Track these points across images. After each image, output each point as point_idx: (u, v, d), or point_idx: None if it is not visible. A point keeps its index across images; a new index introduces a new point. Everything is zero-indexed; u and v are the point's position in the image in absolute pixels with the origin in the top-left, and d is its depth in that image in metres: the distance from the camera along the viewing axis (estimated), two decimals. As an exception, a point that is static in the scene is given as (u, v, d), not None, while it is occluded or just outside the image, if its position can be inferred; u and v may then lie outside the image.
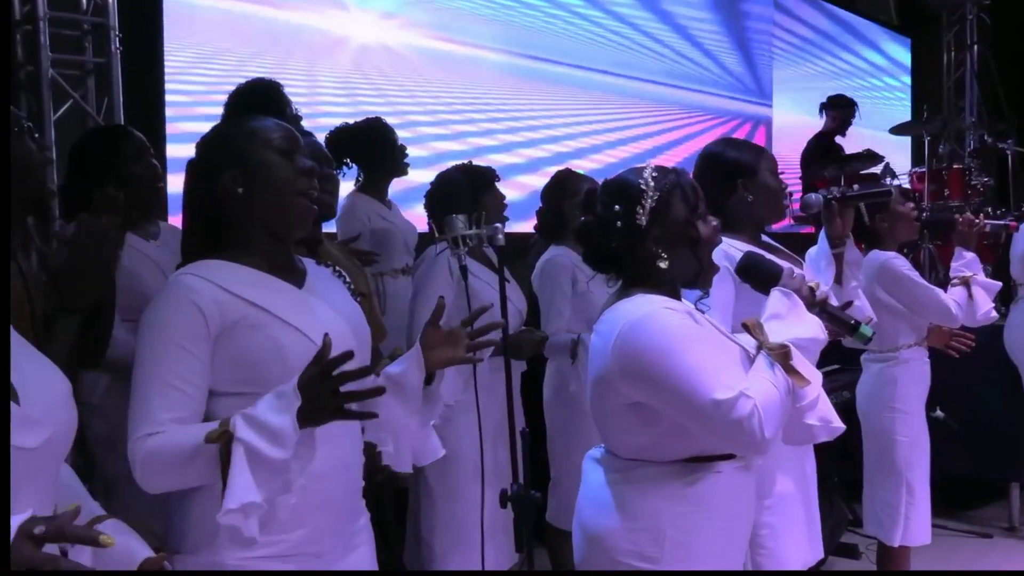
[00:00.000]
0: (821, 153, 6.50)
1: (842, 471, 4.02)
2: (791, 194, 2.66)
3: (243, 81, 3.07)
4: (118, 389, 2.25)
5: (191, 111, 4.02)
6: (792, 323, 1.84)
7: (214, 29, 4.25)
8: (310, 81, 4.51)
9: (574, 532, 1.92)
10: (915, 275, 3.27)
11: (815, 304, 1.93)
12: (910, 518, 3.29)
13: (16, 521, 1.14)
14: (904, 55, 9.91)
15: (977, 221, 3.47)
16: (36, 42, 3.59)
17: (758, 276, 1.98)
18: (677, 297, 1.87)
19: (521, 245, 3.70)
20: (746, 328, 1.83)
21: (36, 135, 2.07)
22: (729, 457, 1.79)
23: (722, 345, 1.82)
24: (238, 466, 1.43)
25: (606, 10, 6.28)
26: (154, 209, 2.71)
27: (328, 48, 4.72)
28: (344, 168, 3.72)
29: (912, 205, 3.36)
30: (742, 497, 1.85)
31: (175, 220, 2.42)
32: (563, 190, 3.45)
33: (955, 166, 6.46)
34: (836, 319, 1.97)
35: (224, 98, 3.01)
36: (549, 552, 3.48)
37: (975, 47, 8.63)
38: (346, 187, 3.62)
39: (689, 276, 1.88)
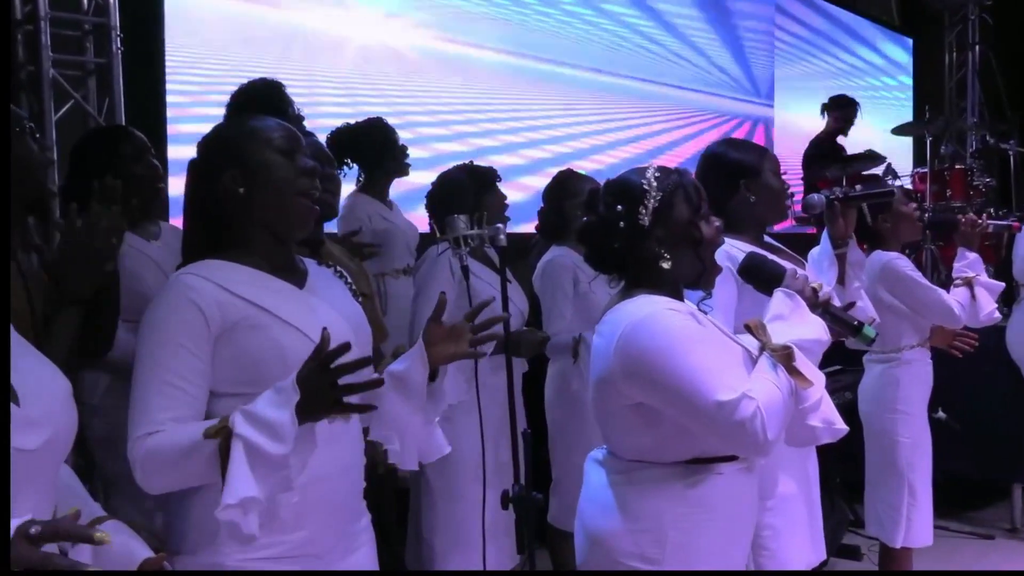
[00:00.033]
0: (823, 154, 6.50)
1: (844, 472, 4.02)
2: (792, 195, 2.65)
3: (245, 81, 3.06)
4: (118, 389, 2.25)
5: (192, 112, 4.01)
6: (795, 324, 1.84)
7: (215, 29, 4.25)
8: (311, 81, 4.51)
9: (576, 533, 1.91)
10: (918, 276, 3.26)
11: (818, 305, 1.93)
12: (912, 519, 3.28)
13: (13, 524, 1.14)
14: (905, 55, 9.91)
15: (980, 222, 3.46)
16: (37, 42, 3.59)
17: (761, 277, 1.98)
18: (680, 298, 1.86)
19: (523, 246, 3.69)
20: (749, 329, 1.83)
21: (37, 135, 2.06)
22: (731, 459, 1.78)
23: (725, 346, 1.81)
24: (237, 462, 1.43)
25: (607, 11, 6.28)
26: (155, 209, 2.70)
27: (329, 48, 4.71)
28: (345, 168, 3.71)
29: (915, 205, 3.35)
30: (744, 499, 1.84)
31: (176, 222, 2.41)
32: (564, 190, 3.44)
33: (957, 167, 6.46)
34: (839, 320, 1.96)
35: (225, 98, 3.01)
36: (550, 553, 3.48)
37: (976, 47, 8.62)
38: (347, 188, 3.61)
39: (692, 277, 1.87)
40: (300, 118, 2.94)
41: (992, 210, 5.75)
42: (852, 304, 2.24)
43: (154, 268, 2.51)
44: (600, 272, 1.93)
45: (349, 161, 3.77)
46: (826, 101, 6.81)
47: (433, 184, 3.30)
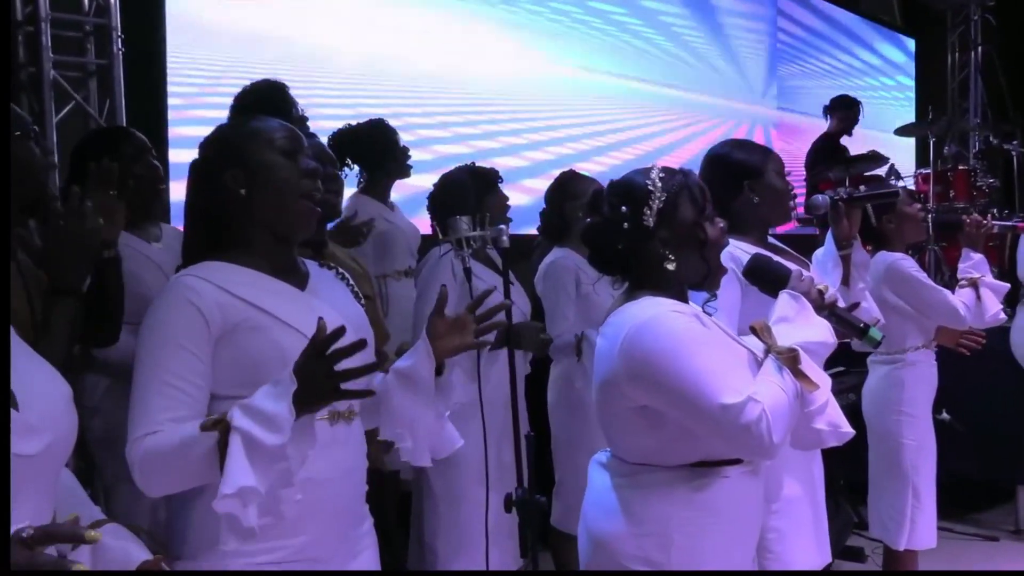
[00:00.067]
0: (826, 154, 6.49)
1: (848, 474, 4.00)
2: (795, 196, 2.64)
3: (246, 83, 3.06)
4: (118, 391, 2.24)
5: (192, 114, 4.00)
6: (801, 326, 1.82)
7: (216, 31, 4.24)
8: (312, 83, 4.50)
9: (580, 536, 1.90)
10: (923, 276, 3.25)
11: (824, 307, 1.92)
12: (916, 522, 3.27)
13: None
14: (908, 56, 9.89)
15: (985, 222, 3.44)
16: (38, 43, 3.59)
17: (766, 278, 1.96)
18: (684, 299, 1.85)
19: (525, 247, 3.68)
20: (754, 331, 1.81)
21: (40, 139, 2.05)
22: (736, 462, 1.77)
23: (730, 348, 1.80)
24: (235, 453, 1.41)
25: (609, 12, 6.27)
26: (155, 211, 2.69)
27: (330, 50, 4.71)
28: (346, 170, 3.70)
29: (919, 206, 3.34)
30: (750, 502, 1.83)
31: (177, 226, 2.40)
32: (566, 192, 3.43)
33: (960, 167, 6.45)
34: (845, 322, 1.95)
35: (225, 100, 3.00)
36: (553, 555, 3.47)
37: (979, 48, 8.61)
38: (348, 190, 3.60)
39: (696, 278, 1.86)
40: (304, 119, 2.93)
41: (995, 211, 5.75)
42: (856, 305, 2.22)
43: (155, 270, 2.50)
44: (604, 273, 1.92)
45: (350, 162, 3.76)
46: (827, 103, 6.80)
47: (435, 185, 3.29)
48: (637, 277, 1.85)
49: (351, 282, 1.92)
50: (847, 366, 3.90)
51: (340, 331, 1.44)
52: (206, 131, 1.76)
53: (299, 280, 1.72)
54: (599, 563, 1.82)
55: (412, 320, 3.17)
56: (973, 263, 3.34)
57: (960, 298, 3.24)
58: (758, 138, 7.57)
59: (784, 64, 8.08)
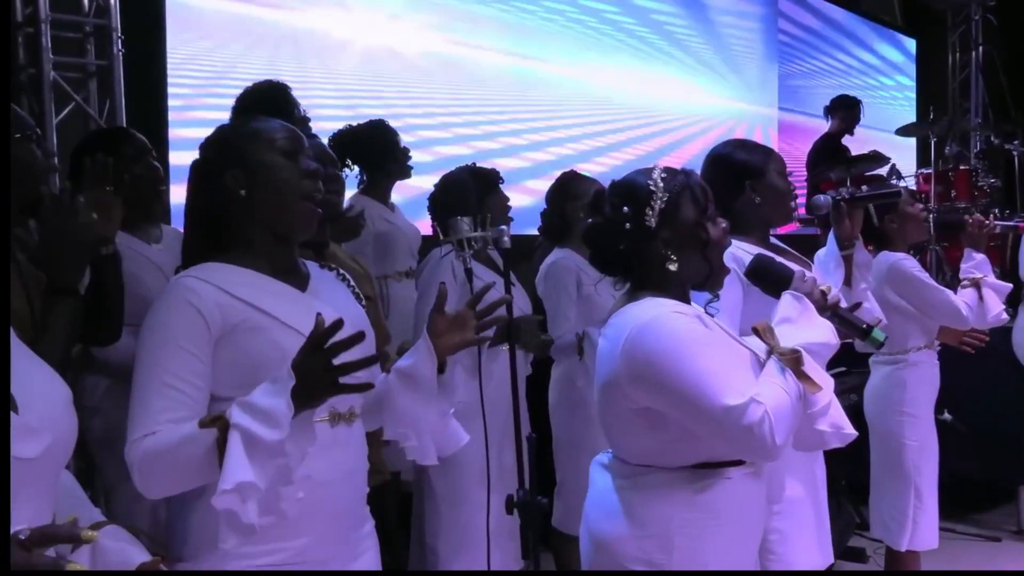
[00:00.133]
0: (828, 154, 6.48)
1: (849, 474, 3.99)
2: (796, 196, 2.64)
3: (246, 84, 3.05)
4: (118, 392, 2.24)
5: (193, 115, 4.00)
6: (803, 327, 1.81)
7: (217, 32, 4.24)
8: (313, 84, 4.49)
9: (581, 538, 1.90)
10: (925, 276, 3.25)
11: (826, 308, 1.91)
12: (918, 522, 3.26)
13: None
14: (909, 56, 9.89)
15: (987, 222, 3.44)
16: (38, 44, 3.59)
17: (769, 279, 1.95)
18: (686, 300, 1.84)
19: (526, 248, 3.68)
20: (757, 332, 1.80)
21: (41, 141, 2.04)
22: (739, 463, 1.76)
23: (732, 349, 1.79)
24: (234, 450, 1.41)
25: (609, 12, 6.26)
26: (156, 212, 2.69)
27: (332, 51, 4.71)
28: (346, 170, 3.70)
29: (921, 206, 3.34)
30: (752, 503, 1.82)
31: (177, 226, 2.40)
32: (567, 192, 3.43)
33: (962, 167, 6.44)
34: (848, 323, 1.94)
35: (225, 101, 3.00)
36: (554, 556, 3.46)
37: (980, 48, 8.61)
38: (348, 191, 3.59)
39: (699, 278, 1.86)
40: (306, 120, 2.93)
41: (997, 211, 5.74)
42: (858, 305, 2.22)
43: (155, 271, 2.50)
44: (605, 274, 1.91)
45: (351, 163, 3.75)
46: (828, 104, 6.79)
47: (436, 186, 3.29)
48: (639, 278, 1.84)
49: (352, 283, 1.91)
50: (849, 366, 3.89)
51: (338, 324, 1.43)
52: (206, 132, 1.75)
53: (300, 281, 1.71)
54: (601, 564, 1.82)
55: (413, 321, 3.16)
56: (975, 263, 3.33)
57: (962, 298, 3.23)
58: (759, 138, 7.56)
59: (785, 64, 8.07)
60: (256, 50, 4.34)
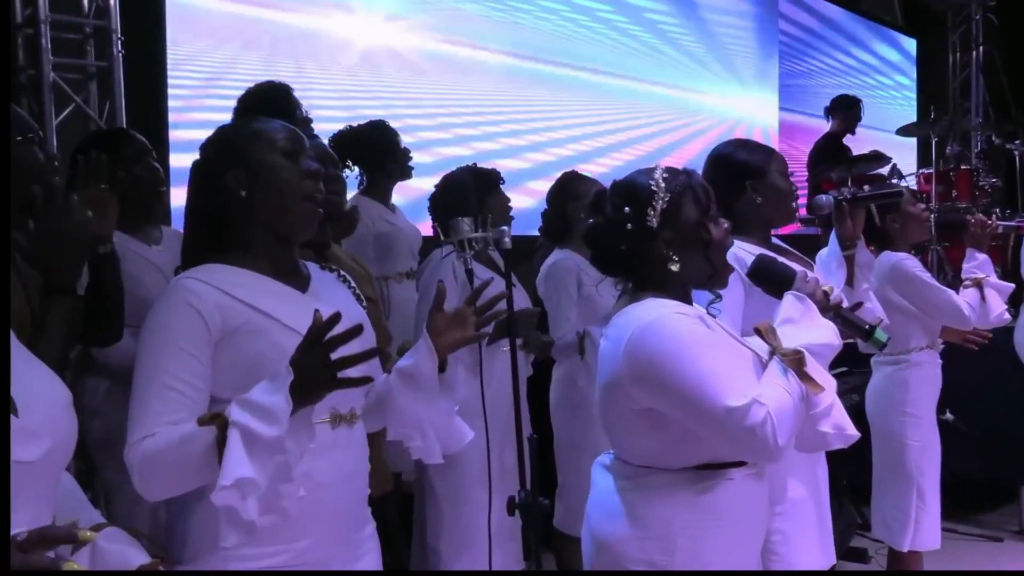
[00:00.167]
0: (829, 154, 6.48)
1: (851, 474, 3.99)
2: (797, 196, 2.63)
3: (246, 85, 3.05)
4: (119, 394, 2.23)
5: (193, 117, 4.00)
6: (806, 328, 1.81)
7: (217, 32, 4.23)
8: (314, 84, 4.49)
9: (583, 539, 1.89)
10: (927, 276, 3.24)
11: (829, 308, 1.90)
12: (920, 523, 3.26)
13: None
14: (909, 56, 9.89)
15: (990, 223, 3.43)
16: (37, 45, 3.58)
17: (771, 280, 1.95)
18: (688, 301, 1.84)
19: (526, 248, 3.67)
20: (759, 333, 1.80)
21: (43, 143, 2.04)
22: (741, 464, 1.76)
23: (734, 350, 1.78)
24: (233, 446, 1.40)
25: (609, 12, 6.26)
26: (156, 213, 2.68)
27: (332, 51, 4.70)
28: (347, 171, 3.69)
29: (923, 206, 3.33)
30: (754, 505, 1.81)
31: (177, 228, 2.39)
32: (568, 193, 3.42)
33: (963, 167, 6.44)
34: (851, 324, 1.93)
35: (225, 103, 2.99)
36: (556, 557, 3.45)
37: (980, 47, 8.61)
38: (349, 192, 3.59)
39: (700, 279, 1.85)
40: (308, 121, 2.93)
41: (998, 210, 5.74)
42: (859, 305, 2.21)
43: (155, 272, 2.49)
44: (606, 275, 1.90)
45: (351, 164, 3.75)
46: (828, 105, 6.77)
47: (436, 186, 3.29)
48: (640, 278, 1.83)
49: (352, 284, 1.91)
50: (850, 366, 3.89)
51: (335, 318, 1.42)
52: (206, 133, 1.75)
53: (300, 282, 1.71)
54: (602, 565, 1.81)
55: (413, 322, 3.16)
56: (978, 263, 3.33)
57: (965, 298, 3.23)
58: (759, 139, 7.55)
59: (785, 65, 8.07)
60: (256, 51, 4.33)
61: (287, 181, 1.65)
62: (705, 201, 1.83)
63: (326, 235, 2.32)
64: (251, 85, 3.09)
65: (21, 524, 1.17)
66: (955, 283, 3.45)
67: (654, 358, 1.69)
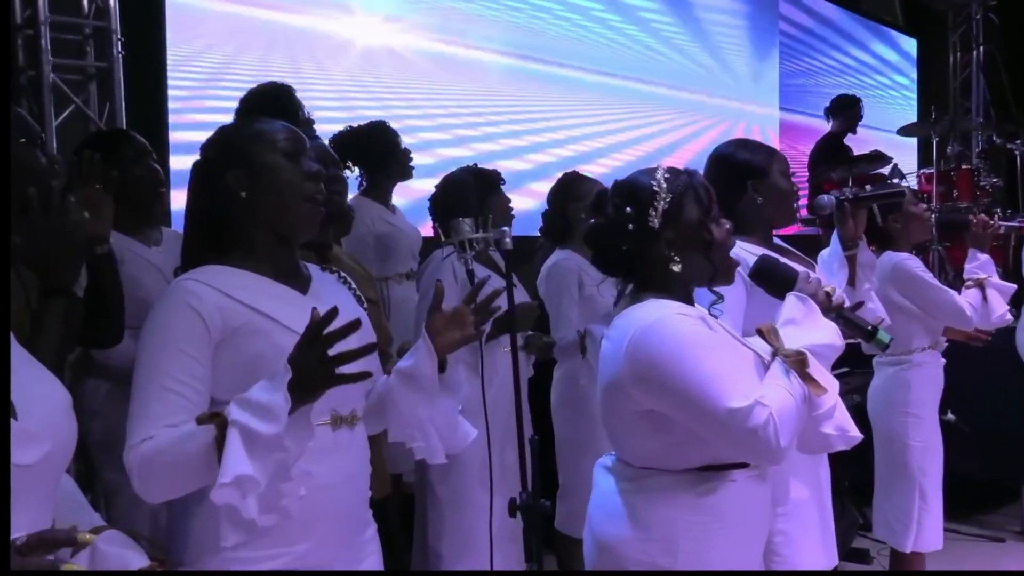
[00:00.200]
0: (829, 154, 6.47)
1: (852, 475, 3.98)
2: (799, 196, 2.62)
3: (246, 86, 3.04)
4: (119, 395, 2.22)
5: (193, 119, 3.99)
6: (808, 329, 1.80)
7: (217, 33, 4.23)
8: (315, 85, 4.48)
9: (585, 541, 1.88)
10: (929, 276, 3.24)
11: (831, 309, 1.89)
12: (923, 524, 3.25)
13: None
14: (910, 56, 9.88)
15: (992, 223, 3.43)
16: (37, 46, 3.57)
17: (773, 280, 1.94)
18: (690, 301, 1.83)
19: (527, 249, 3.67)
20: (761, 334, 1.79)
21: (45, 146, 2.03)
22: (743, 466, 1.75)
23: (736, 351, 1.77)
24: (232, 445, 1.39)
25: (611, 12, 6.25)
26: (156, 214, 2.68)
27: (333, 52, 4.70)
28: (347, 172, 3.69)
29: (925, 206, 3.32)
30: (757, 506, 1.81)
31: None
32: (569, 193, 3.41)
33: (963, 167, 6.43)
34: (853, 325, 1.93)
35: (225, 104, 2.99)
36: (557, 559, 3.45)
37: (981, 48, 8.60)
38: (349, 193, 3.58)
39: (702, 280, 1.84)
40: (310, 122, 2.92)
41: (999, 210, 5.73)
42: (860, 304, 2.20)
43: (155, 273, 2.49)
44: (607, 275, 1.90)
45: (351, 164, 3.74)
46: (828, 106, 6.76)
47: (437, 187, 3.28)
48: (642, 279, 1.83)
49: (353, 286, 1.90)
50: (852, 367, 3.88)
51: (332, 314, 1.42)
52: (206, 134, 1.74)
53: (301, 284, 1.70)
54: (605, 567, 1.81)
55: (413, 322, 3.15)
56: (979, 264, 3.32)
57: (967, 299, 3.22)
58: (760, 139, 7.54)
59: (785, 64, 8.06)
60: (256, 52, 4.33)
61: (288, 182, 1.64)
62: (707, 201, 1.82)
63: (328, 236, 2.31)
64: (251, 86, 3.08)
65: (21, 527, 1.17)
66: (956, 283, 3.44)
67: (656, 359, 1.68)
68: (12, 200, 1.59)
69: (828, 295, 1.91)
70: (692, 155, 6.62)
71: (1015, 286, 3.43)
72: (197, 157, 1.72)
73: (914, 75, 9.87)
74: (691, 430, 1.70)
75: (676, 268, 1.78)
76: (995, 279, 3.30)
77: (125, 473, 1.54)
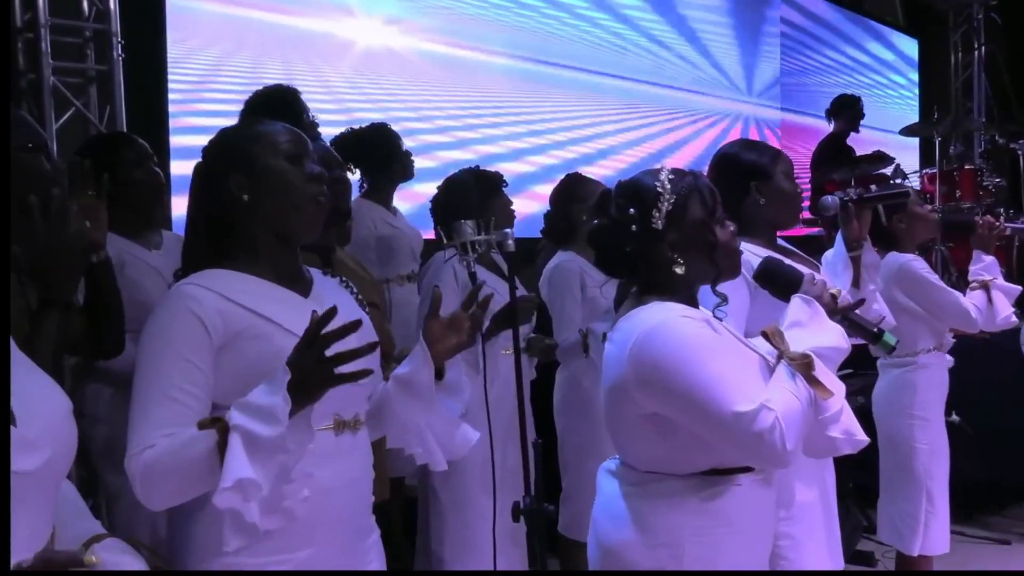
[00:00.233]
0: (832, 155, 6.46)
1: (856, 477, 3.96)
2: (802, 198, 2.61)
3: (248, 89, 3.03)
4: (121, 401, 2.21)
5: (194, 122, 3.98)
6: (814, 331, 1.79)
7: (218, 35, 4.22)
8: (316, 87, 4.47)
9: (589, 545, 1.87)
10: (934, 278, 3.22)
11: (836, 311, 1.88)
12: (930, 527, 3.23)
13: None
14: (911, 56, 9.87)
15: (997, 224, 3.41)
16: (37, 49, 3.57)
17: (778, 282, 1.93)
18: (694, 304, 1.82)
19: (529, 251, 3.66)
20: (766, 336, 1.78)
21: (50, 152, 2.02)
22: (749, 469, 1.74)
23: (741, 354, 1.76)
24: (234, 449, 1.39)
25: (611, 13, 6.25)
26: (156, 218, 2.67)
27: (333, 55, 4.69)
28: (348, 174, 3.67)
29: (929, 207, 3.31)
30: (762, 510, 1.80)
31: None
32: (571, 194, 3.40)
33: (966, 167, 6.41)
34: (859, 327, 1.91)
35: (225, 107, 2.98)
36: (561, 563, 3.43)
37: (983, 47, 8.59)
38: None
39: (706, 281, 1.83)
40: (314, 125, 2.92)
41: (1002, 210, 5.72)
42: (862, 301, 2.18)
43: (155, 277, 2.48)
44: (610, 276, 1.89)
45: (352, 166, 3.73)
46: (829, 107, 6.75)
47: (438, 189, 3.27)
48: (645, 280, 1.81)
49: (355, 290, 1.89)
50: (856, 368, 3.86)
51: (330, 314, 1.41)
52: (207, 137, 1.73)
53: (303, 287, 1.69)
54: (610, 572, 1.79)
55: (414, 325, 3.14)
56: (984, 265, 3.31)
57: (971, 300, 3.21)
58: (761, 139, 7.55)
59: (786, 64, 8.05)
60: (257, 55, 4.32)
61: (290, 184, 1.63)
62: (711, 203, 1.81)
63: (331, 239, 2.30)
64: (253, 89, 3.08)
65: (21, 534, 1.16)
66: (959, 284, 3.43)
67: (660, 362, 1.67)
68: (13, 206, 1.58)
69: (834, 297, 1.90)
70: (694, 156, 6.61)
71: (1020, 288, 3.41)
72: (198, 160, 1.71)
73: (915, 75, 9.87)
74: (696, 434, 1.69)
75: (680, 270, 1.76)
76: (1000, 281, 3.29)
77: (127, 477, 1.53)
